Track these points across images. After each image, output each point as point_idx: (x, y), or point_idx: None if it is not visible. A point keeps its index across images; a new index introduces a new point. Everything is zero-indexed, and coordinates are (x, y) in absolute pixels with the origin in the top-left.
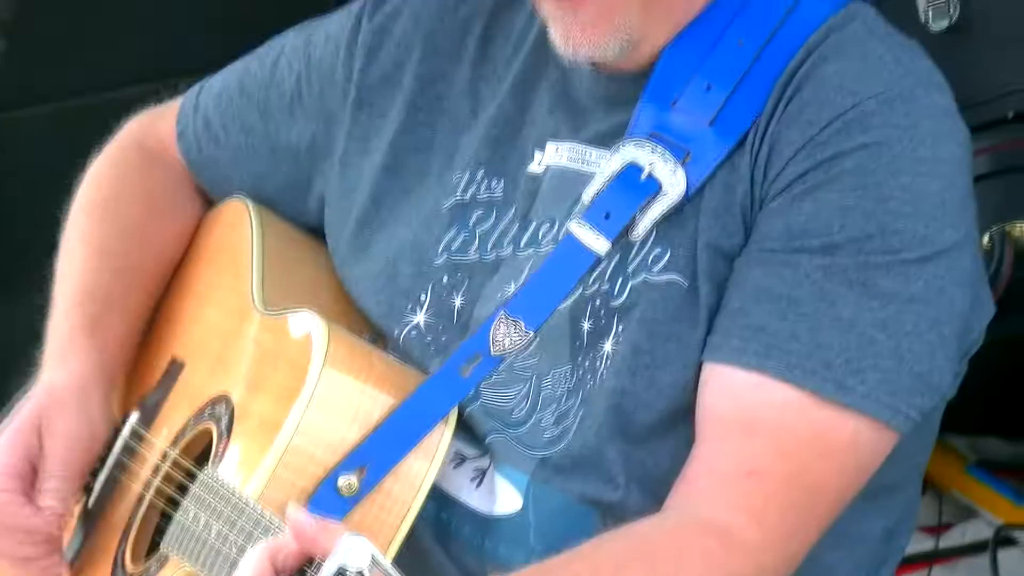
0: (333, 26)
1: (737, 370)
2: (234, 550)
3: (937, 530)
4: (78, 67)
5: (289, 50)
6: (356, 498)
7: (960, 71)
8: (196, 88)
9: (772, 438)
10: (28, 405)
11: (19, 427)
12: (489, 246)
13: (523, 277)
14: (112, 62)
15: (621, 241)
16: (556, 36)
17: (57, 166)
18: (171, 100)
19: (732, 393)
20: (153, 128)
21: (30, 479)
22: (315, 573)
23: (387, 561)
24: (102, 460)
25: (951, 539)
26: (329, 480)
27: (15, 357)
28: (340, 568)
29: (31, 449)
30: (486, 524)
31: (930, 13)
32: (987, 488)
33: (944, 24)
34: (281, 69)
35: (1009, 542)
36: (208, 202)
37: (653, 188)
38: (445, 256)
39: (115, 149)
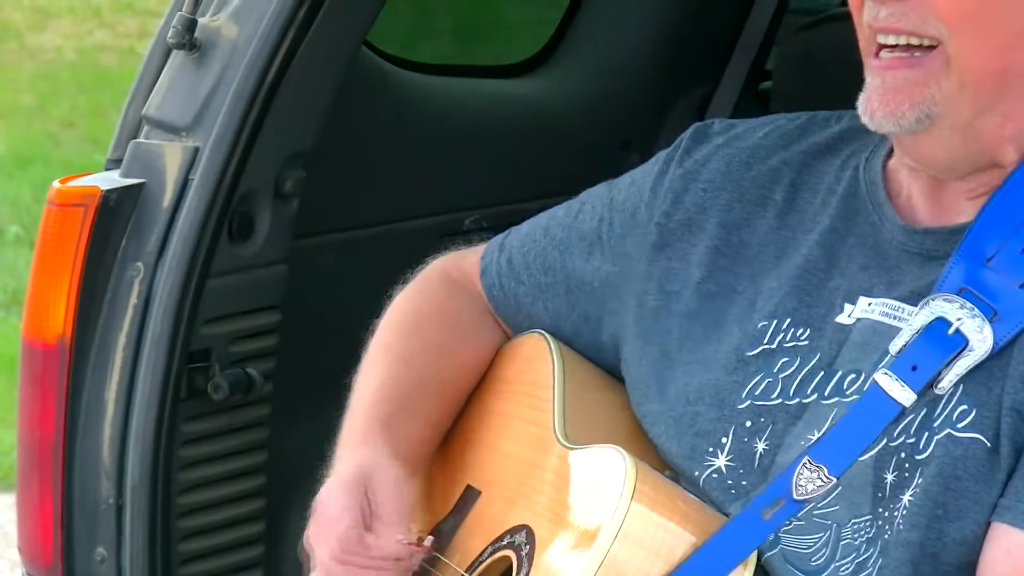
0: (639, 172)
1: (1022, 533)
2: None
3: None
4: (368, 199)
5: (594, 195)
6: None
7: None
8: (506, 232)
9: None
10: (326, 489)
11: (344, 482)
12: (792, 391)
13: (827, 424)
14: (400, 195)
15: (927, 394)
16: (860, 104)
17: (348, 292)
18: (458, 236)
19: (1013, 555)
20: (458, 262)
21: (367, 523)
22: None
23: None
24: None
25: None
26: None
27: (304, 481)
28: None
29: (362, 499)
30: None
31: None
32: None
33: None
34: (585, 212)
35: None
36: (505, 335)
37: (960, 343)
38: (748, 401)
39: (421, 278)
